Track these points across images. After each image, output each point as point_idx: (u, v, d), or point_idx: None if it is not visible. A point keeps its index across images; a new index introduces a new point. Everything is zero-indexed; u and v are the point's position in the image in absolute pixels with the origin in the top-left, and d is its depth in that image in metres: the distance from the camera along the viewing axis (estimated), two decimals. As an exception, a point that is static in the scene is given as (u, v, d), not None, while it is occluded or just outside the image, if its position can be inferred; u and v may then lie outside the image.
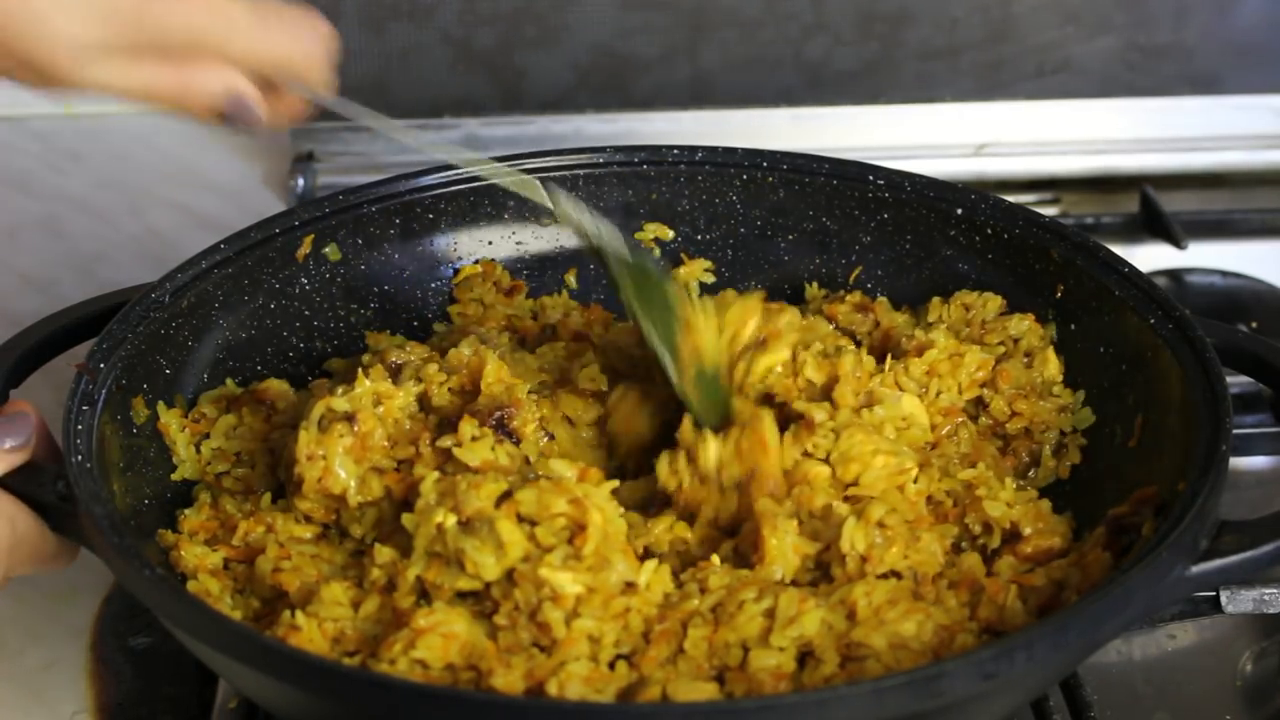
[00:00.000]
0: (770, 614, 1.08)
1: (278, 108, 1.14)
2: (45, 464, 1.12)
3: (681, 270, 1.42)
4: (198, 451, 1.24)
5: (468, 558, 1.05)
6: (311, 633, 1.07)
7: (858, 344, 1.32)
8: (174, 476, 1.22)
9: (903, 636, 1.06)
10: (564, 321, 1.38)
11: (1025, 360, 1.29)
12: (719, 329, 1.23)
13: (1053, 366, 1.28)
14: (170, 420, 1.23)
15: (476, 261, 1.40)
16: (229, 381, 1.28)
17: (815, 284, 1.40)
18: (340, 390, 1.18)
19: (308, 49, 1.11)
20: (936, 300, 1.34)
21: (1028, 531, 1.16)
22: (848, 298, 1.35)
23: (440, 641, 1.03)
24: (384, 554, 1.11)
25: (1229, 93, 1.83)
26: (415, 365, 1.26)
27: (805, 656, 1.07)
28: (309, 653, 1.04)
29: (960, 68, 1.82)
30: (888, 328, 1.31)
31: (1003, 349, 1.30)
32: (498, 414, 1.18)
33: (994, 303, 1.32)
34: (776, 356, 1.23)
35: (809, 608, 1.07)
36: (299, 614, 1.08)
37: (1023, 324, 1.30)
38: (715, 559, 1.13)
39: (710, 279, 1.42)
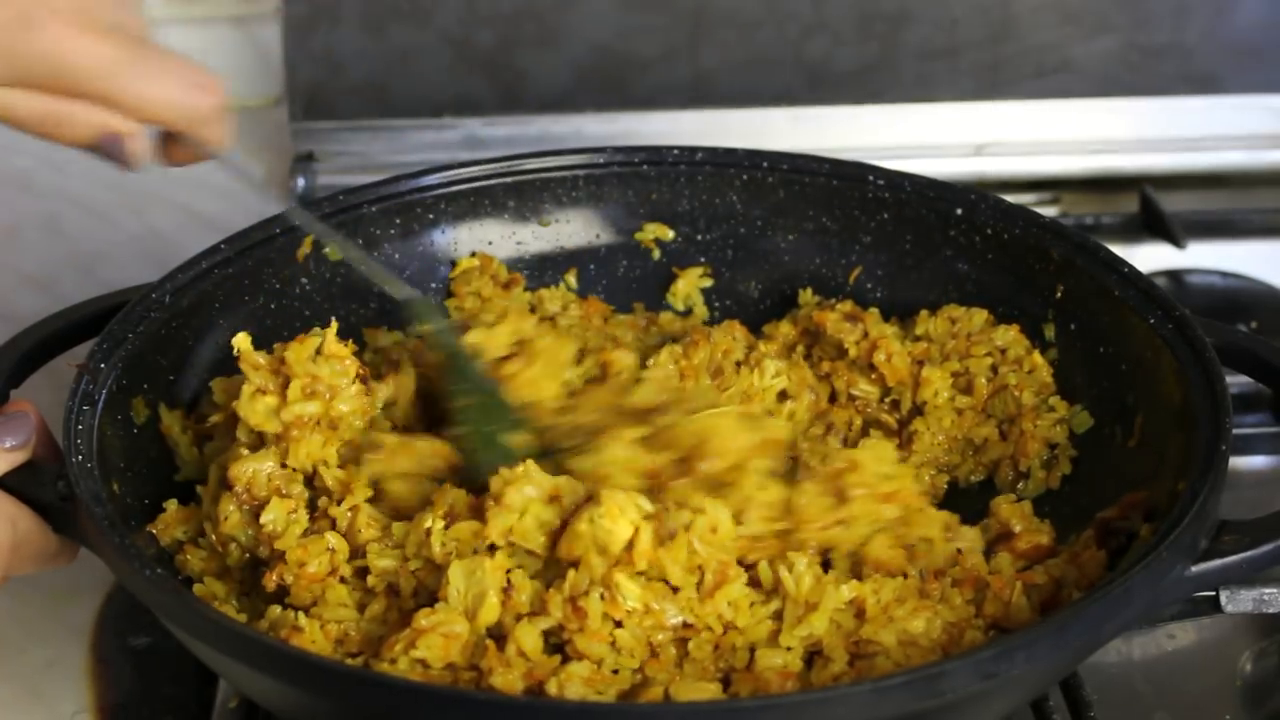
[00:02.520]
0: (778, 616, 1.08)
1: (173, 153, 1.11)
2: (46, 464, 1.12)
3: (679, 282, 1.42)
4: (200, 453, 1.24)
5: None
6: (314, 634, 1.07)
7: (844, 353, 1.32)
8: (178, 479, 1.22)
9: (912, 634, 1.06)
10: (561, 314, 1.38)
11: (1014, 367, 1.29)
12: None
13: (1043, 372, 1.29)
14: (173, 423, 1.23)
15: (473, 254, 1.40)
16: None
17: (809, 289, 1.40)
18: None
19: (191, 101, 1.06)
20: (924, 313, 1.34)
21: (1019, 528, 1.16)
22: (839, 306, 1.35)
23: (441, 641, 1.03)
24: (380, 563, 1.11)
25: (1228, 93, 1.83)
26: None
27: (814, 656, 1.07)
28: (308, 652, 1.04)
29: (960, 68, 1.82)
30: (875, 339, 1.31)
31: (990, 360, 1.30)
32: None
33: (979, 316, 1.32)
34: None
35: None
36: (300, 615, 1.08)
37: (1008, 334, 1.30)
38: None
39: (708, 282, 1.42)
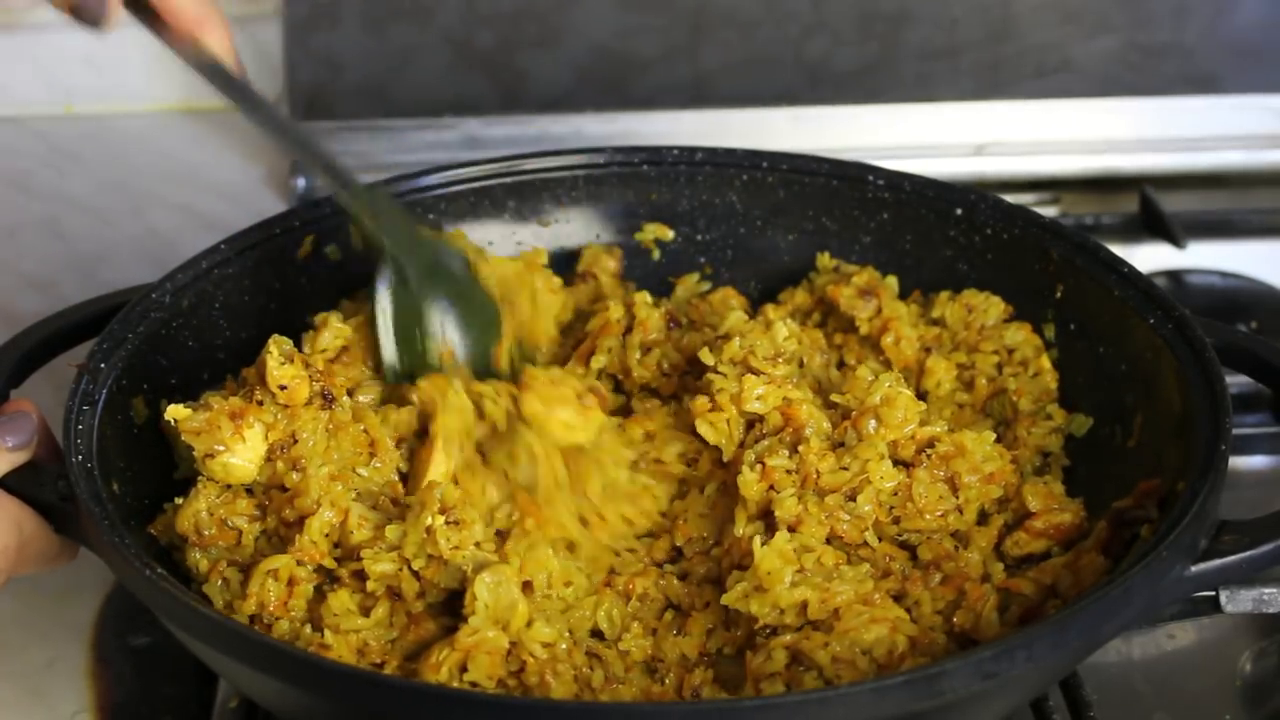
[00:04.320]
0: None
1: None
2: (46, 464, 1.12)
3: (677, 291, 1.42)
4: None
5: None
6: (340, 649, 1.07)
7: (854, 329, 1.32)
8: (176, 476, 1.22)
9: (862, 645, 1.06)
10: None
11: (1018, 369, 1.29)
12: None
13: (1048, 378, 1.28)
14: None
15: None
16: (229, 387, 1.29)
17: (827, 254, 1.40)
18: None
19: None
20: (945, 295, 1.34)
21: (1036, 507, 1.16)
22: (854, 279, 1.34)
23: (488, 660, 1.04)
24: (376, 568, 1.11)
25: (1228, 93, 1.83)
26: None
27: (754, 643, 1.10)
28: (307, 652, 1.04)
29: (960, 68, 1.82)
30: (887, 318, 1.31)
31: (996, 358, 1.30)
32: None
33: (996, 308, 1.32)
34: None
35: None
36: (327, 633, 1.08)
37: (1019, 334, 1.30)
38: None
39: (706, 286, 1.42)
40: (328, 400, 1.18)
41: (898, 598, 1.12)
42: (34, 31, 1.91)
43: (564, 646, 1.07)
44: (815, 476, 1.15)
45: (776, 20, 1.80)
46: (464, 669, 1.05)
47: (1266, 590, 1.20)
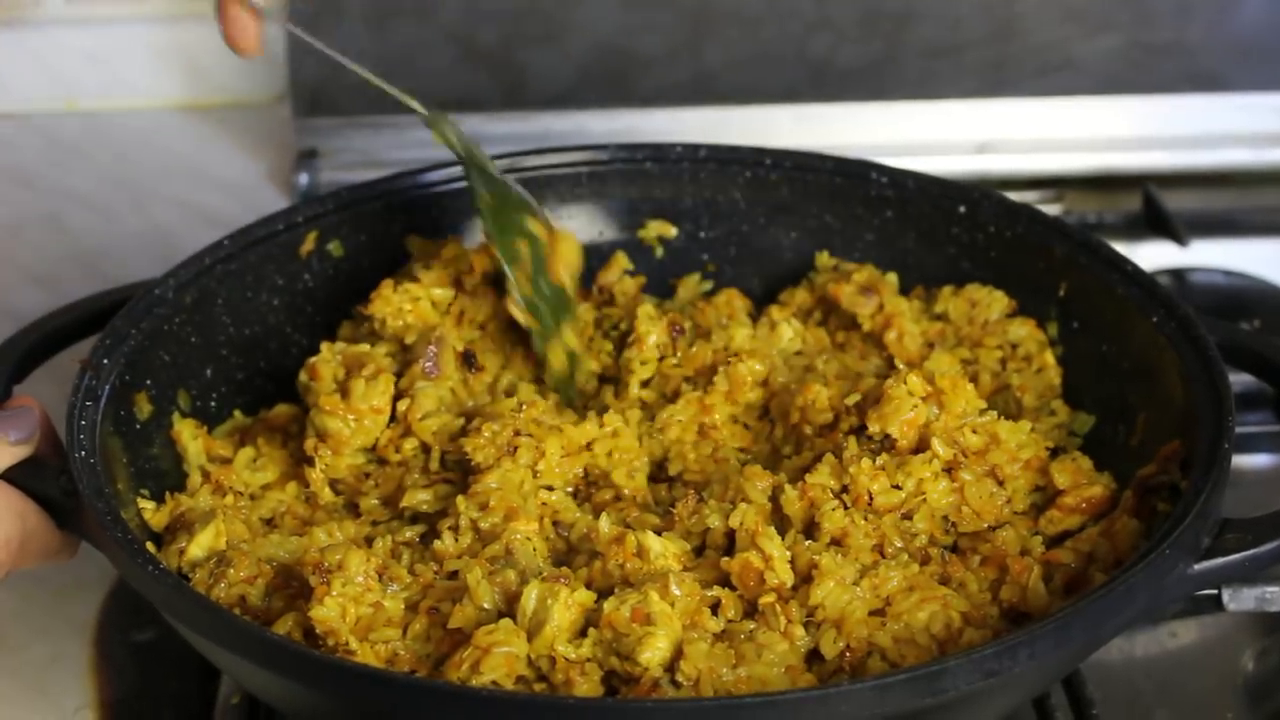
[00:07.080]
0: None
1: None
2: (49, 459, 1.12)
3: (680, 293, 1.41)
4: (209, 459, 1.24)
5: None
6: (365, 655, 1.05)
7: (856, 327, 1.32)
8: (187, 488, 1.22)
9: (912, 629, 1.06)
10: None
11: (1022, 365, 1.29)
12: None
13: (1051, 374, 1.28)
14: (183, 429, 1.23)
15: None
16: (236, 413, 1.29)
17: (826, 253, 1.40)
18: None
19: None
20: (948, 290, 1.34)
21: (1065, 484, 1.16)
22: (855, 276, 1.34)
23: (504, 660, 1.02)
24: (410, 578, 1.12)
25: (1231, 91, 1.83)
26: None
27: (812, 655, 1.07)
28: (309, 648, 1.04)
29: (963, 66, 1.81)
30: (890, 314, 1.31)
31: (999, 354, 1.30)
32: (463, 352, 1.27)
33: (1000, 303, 1.32)
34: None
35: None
36: (351, 639, 1.06)
37: (1022, 330, 1.30)
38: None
39: (709, 285, 1.42)
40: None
41: (942, 582, 1.11)
42: (36, 27, 1.91)
43: (599, 655, 1.04)
44: (868, 499, 1.14)
45: (780, 18, 1.80)
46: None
47: (1269, 589, 1.20)
